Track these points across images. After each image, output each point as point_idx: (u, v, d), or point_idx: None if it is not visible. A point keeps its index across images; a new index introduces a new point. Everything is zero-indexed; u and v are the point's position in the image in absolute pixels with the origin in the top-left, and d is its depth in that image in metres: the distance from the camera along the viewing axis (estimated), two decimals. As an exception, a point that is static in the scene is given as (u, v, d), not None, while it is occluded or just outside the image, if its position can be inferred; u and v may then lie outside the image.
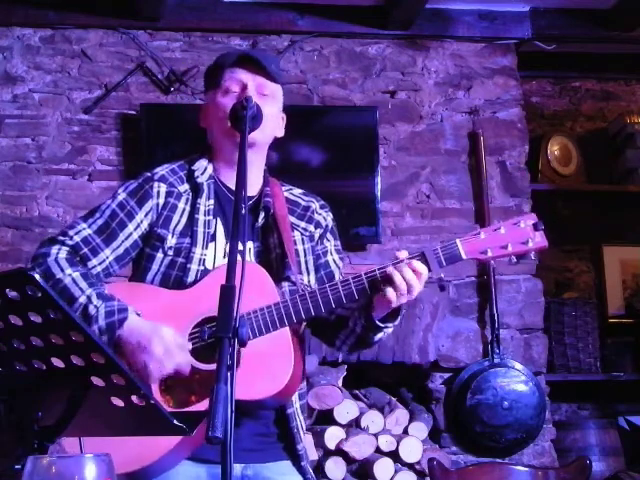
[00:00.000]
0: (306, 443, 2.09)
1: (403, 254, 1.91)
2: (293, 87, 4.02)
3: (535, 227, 1.93)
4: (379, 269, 1.91)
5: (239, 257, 1.57)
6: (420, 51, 4.13)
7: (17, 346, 1.33)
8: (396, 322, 1.99)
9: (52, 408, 1.37)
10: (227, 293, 1.49)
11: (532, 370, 3.92)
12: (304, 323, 2.06)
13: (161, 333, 1.88)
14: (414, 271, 1.87)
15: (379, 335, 2.01)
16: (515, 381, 3.87)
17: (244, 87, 2.05)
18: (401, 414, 3.77)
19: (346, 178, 3.91)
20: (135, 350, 1.88)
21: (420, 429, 3.76)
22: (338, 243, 2.22)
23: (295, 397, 2.05)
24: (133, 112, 3.89)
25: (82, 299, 1.92)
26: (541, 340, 4.02)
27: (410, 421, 3.77)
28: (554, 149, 4.56)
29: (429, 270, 1.90)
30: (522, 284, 4.03)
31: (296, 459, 2.05)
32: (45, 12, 3.89)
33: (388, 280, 1.88)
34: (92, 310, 1.91)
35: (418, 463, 3.62)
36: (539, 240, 1.93)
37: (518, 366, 3.90)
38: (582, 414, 4.55)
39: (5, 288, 1.25)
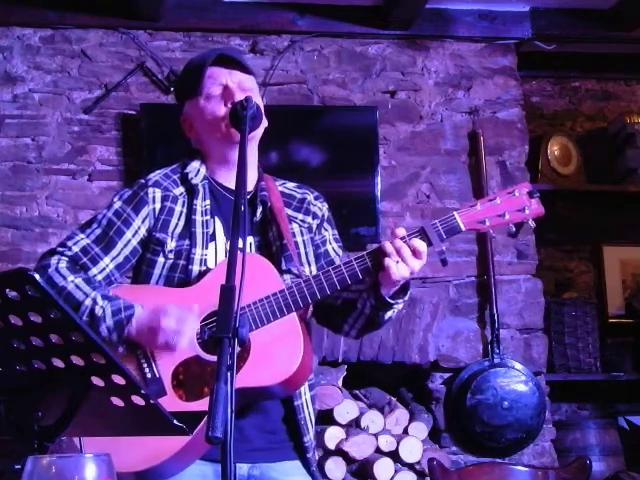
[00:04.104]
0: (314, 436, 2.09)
1: (401, 231, 1.91)
2: (293, 87, 4.02)
3: (530, 195, 1.95)
4: (379, 247, 1.91)
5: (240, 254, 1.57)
6: (420, 51, 4.13)
7: (17, 346, 1.33)
8: (406, 297, 1.98)
9: (52, 408, 1.37)
10: (227, 293, 1.49)
11: (532, 370, 3.92)
12: (310, 308, 2.06)
13: (167, 309, 1.89)
14: (414, 251, 1.88)
15: (389, 313, 2.00)
16: (515, 381, 3.87)
17: (225, 87, 2.05)
18: (401, 414, 3.77)
19: (346, 178, 3.91)
20: (149, 334, 1.89)
21: (420, 429, 3.75)
22: (336, 232, 2.22)
23: (305, 388, 2.04)
24: (133, 112, 3.89)
25: (87, 302, 1.93)
26: (541, 340, 4.01)
27: (410, 421, 3.77)
28: (554, 149, 4.55)
29: (430, 245, 1.90)
30: (522, 284, 4.03)
31: (302, 452, 2.04)
32: (45, 12, 3.88)
33: (388, 257, 1.88)
34: (99, 311, 1.91)
35: (418, 463, 3.62)
36: (535, 207, 1.95)
37: (518, 366, 3.89)
38: (582, 414, 4.55)
39: (5, 288, 1.25)
